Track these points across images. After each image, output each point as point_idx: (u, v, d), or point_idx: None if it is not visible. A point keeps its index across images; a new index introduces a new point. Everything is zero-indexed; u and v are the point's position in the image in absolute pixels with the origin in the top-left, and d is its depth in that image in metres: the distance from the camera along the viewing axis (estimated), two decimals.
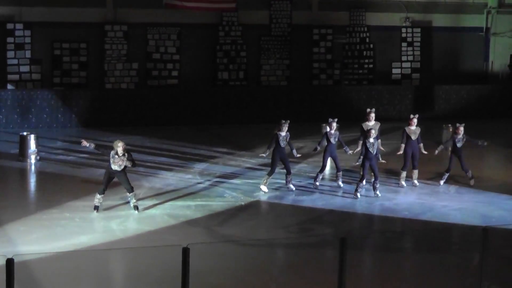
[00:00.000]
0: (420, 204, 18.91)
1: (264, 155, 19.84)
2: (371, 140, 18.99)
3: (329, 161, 20.58)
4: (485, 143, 21.07)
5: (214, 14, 30.99)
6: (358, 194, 19.19)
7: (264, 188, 19.65)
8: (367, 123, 20.42)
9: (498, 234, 15.36)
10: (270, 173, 19.67)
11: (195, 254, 9.12)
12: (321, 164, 20.26)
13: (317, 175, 20.21)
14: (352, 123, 21.22)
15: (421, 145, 20.35)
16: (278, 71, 32.42)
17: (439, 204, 18.90)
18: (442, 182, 20.61)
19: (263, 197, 19.30)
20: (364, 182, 19.40)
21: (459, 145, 20.23)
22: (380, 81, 33.63)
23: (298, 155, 20.05)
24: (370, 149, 18.92)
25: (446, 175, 20.62)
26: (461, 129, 20.27)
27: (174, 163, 23.01)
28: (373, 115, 20.52)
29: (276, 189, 19.95)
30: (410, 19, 33.98)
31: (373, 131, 19.21)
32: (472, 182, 20.56)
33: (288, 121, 19.71)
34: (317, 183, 20.12)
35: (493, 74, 35.16)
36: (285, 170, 19.73)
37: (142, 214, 17.50)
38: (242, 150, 25.06)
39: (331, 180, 20.85)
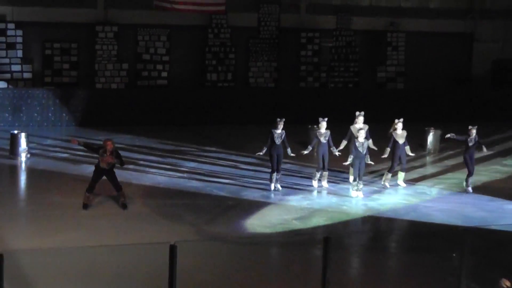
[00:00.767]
0: (404, 205, 18.96)
1: (260, 153, 19.90)
2: (361, 140, 19.09)
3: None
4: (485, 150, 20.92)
5: (203, 16, 30.96)
6: (360, 192, 19.34)
7: (273, 185, 19.71)
8: (355, 125, 20.46)
9: (479, 235, 15.41)
10: (272, 171, 19.71)
11: (182, 252, 9.10)
12: (315, 164, 20.32)
13: (315, 174, 20.23)
14: (337, 124, 21.19)
15: (408, 147, 20.41)
16: (266, 73, 32.43)
17: (422, 205, 18.97)
18: (470, 188, 20.37)
19: (250, 196, 19.29)
20: (353, 179, 19.57)
21: (471, 144, 20.19)
22: (365, 84, 33.70)
23: (293, 154, 20.01)
24: (359, 149, 19.06)
25: (470, 178, 20.52)
26: (473, 131, 20.27)
27: (163, 162, 22.99)
28: (361, 118, 20.55)
29: (262, 188, 19.97)
30: (395, 24, 34.05)
31: (363, 132, 19.38)
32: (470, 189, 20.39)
33: (283, 119, 19.71)
34: (316, 183, 20.17)
35: (475, 78, 35.26)
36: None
37: (130, 212, 17.48)
38: (230, 150, 25.06)
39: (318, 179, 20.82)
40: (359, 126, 20.29)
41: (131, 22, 30.51)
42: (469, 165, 20.28)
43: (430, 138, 25.95)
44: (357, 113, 20.75)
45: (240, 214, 17.89)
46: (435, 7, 34.96)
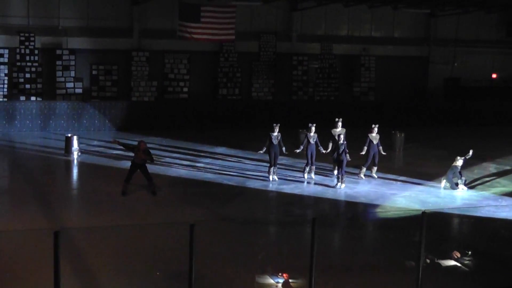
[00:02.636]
0: (374, 193, 18.87)
1: (261, 151, 19.85)
2: (341, 141, 19.13)
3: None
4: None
5: (216, 44, 30.90)
6: (342, 183, 19.22)
7: (271, 177, 19.60)
8: (335, 129, 20.38)
9: (433, 216, 15.34)
10: (270, 165, 19.63)
11: (199, 230, 9.01)
12: (305, 160, 20.24)
13: (304, 168, 20.14)
14: (321, 129, 21.11)
15: (381, 148, 20.33)
16: (265, 88, 32.33)
17: (388, 193, 18.87)
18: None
19: (252, 186, 19.21)
20: (336, 172, 19.59)
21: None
22: (344, 97, 33.60)
23: (286, 152, 19.92)
24: (341, 148, 19.06)
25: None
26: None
27: (184, 158, 22.91)
28: (340, 123, 20.48)
29: (262, 179, 19.89)
30: (367, 49, 33.96)
31: (342, 136, 19.41)
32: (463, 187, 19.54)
33: (279, 124, 19.68)
34: (306, 175, 20.07)
35: (430, 92, 35.20)
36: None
37: (158, 198, 17.42)
38: (237, 148, 24.98)
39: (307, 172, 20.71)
40: (338, 130, 20.22)
41: (159, 49, 30.45)
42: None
43: (396, 139, 25.87)
44: (336, 119, 20.66)
45: (245, 199, 17.82)
46: (398, 36, 34.91)
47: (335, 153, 19.44)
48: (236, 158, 23.23)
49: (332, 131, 20.36)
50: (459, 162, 19.23)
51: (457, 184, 19.20)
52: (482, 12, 33.46)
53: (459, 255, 13.06)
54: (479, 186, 19.88)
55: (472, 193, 19.02)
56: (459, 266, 12.75)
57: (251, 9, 31.44)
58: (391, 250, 13.93)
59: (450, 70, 35.52)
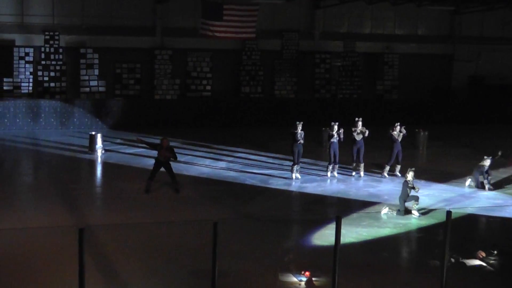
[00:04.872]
0: (398, 191, 18.70)
1: (301, 141, 19.42)
2: (358, 138, 19.69)
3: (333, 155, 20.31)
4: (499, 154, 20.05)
5: (238, 42, 30.93)
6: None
7: (294, 175, 19.56)
8: (354, 128, 20.26)
9: (458, 215, 15.25)
10: (293, 163, 19.60)
11: (222, 227, 9.02)
12: (328, 158, 20.25)
13: (327, 167, 20.07)
14: (344, 127, 21.00)
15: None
16: (288, 86, 32.29)
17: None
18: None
19: (275, 184, 19.19)
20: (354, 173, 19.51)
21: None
22: (366, 95, 33.45)
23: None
24: (357, 139, 19.76)
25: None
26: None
27: (207, 156, 22.97)
28: (360, 122, 20.35)
29: (285, 178, 19.86)
30: (390, 47, 33.75)
31: (358, 130, 19.92)
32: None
33: (302, 122, 19.61)
34: (329, 173, 20.03)
35: (454, 90, 34.90)
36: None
37: (182, 195, 17.48)
38: (260, 147, 24.99)
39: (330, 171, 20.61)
40: (359, 129, 20.10)
41: (182, 47, 30.53)
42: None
43: (419, 137, 25.70)
44: (356, 118, 20.47)
45: (268, 197, 17.82)
46: (422, 33, 34.64)
47: (354, 151, 19.65)
48: (259, 156, 23.22)
49: (352, 129, 20.27)
50: (487, 161, 19.01)
51: (482, 184, 19.00)
52: (507, 9, 33.08)
53: (484, 255, 12.94)
54: (506, 186, 19.64)
55: (497, 193, 18.81)
56: (484, 266, 12.63)
57: (273, 7, 31.41)
58: (416, 249, 13.83)
59: (475, 68, 35.18)
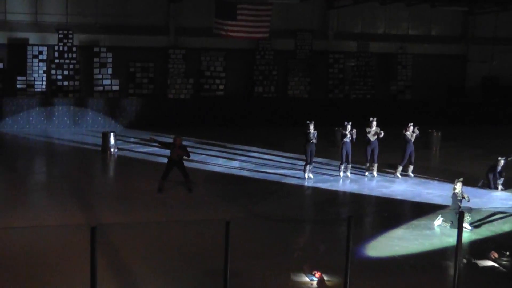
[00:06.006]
0: (411, 192, 18.69)
1: (314, 140, 19.33)
2: (372, 138, 19.71)
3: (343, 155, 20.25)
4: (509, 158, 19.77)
5: (252, 42, 30.94)
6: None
7: (306, 175, 19.53)
8: (369, 129, 20.20)
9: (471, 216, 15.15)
10: (306, 163, 19.56)
11: (235, 226, 9.02)
12: (340, 158, 20.18)
13: (340, 166, 20.02)
14: (358, 128, 20.93)
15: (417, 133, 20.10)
16: (301, 86, 32.25)
17: (425, 192, 18.67)
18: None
19: (288, 183, 19.16)
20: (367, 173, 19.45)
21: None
22: (380, 95, 33.35)
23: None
24: (371, 139, 19.73)
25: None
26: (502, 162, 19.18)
27: (220, 156, 22.99)
28: (374, 123, 20.28)
29: (298, 177, 19.84)
30: (404, 47, 33.63)
31: (372, 131, 19.87)
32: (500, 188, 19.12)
33: (313, 121, 19.54)
34: (342, 173, 19.97)
35: (468, 90, 34.72)
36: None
37: (195, 194, 17.49)
38: (273, 146, 24.97)
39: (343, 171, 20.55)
40: (373, 129, 20.04)
41: (195, 46, 30.58)
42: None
43: (433, 138, 25.59)
44: (371, 118, 20.41)
45: (280, 197, 17.81)
46: (435, 34, 34.50)
47: (368, 151, 19.72)
48: (272, 156, 23.20)
49: (367, 129, 20.21)
50: (501, 162, 18.91)
51: (496, 185, 18.89)
52: None
53: (496, 256, 12.87)
54: None
55: (510, 194, 18.68)
56: (497, 267, 12.55)
57: (287, 6, 31.38)
58: (430, 249, 13.75)
59: (488, 68, 34.98)
